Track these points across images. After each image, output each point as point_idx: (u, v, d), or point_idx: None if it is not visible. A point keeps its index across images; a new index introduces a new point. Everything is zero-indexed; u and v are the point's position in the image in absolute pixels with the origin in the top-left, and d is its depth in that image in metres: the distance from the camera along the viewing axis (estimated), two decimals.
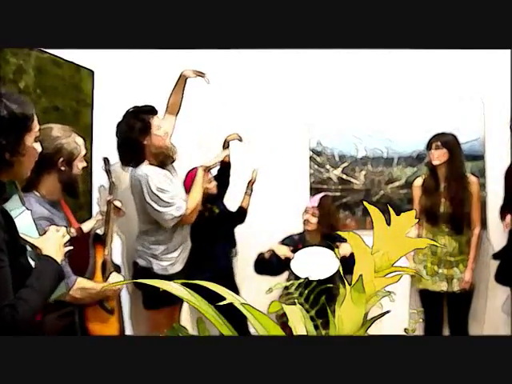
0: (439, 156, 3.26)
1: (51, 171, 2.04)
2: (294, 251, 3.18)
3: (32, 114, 1.45)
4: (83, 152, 2.15)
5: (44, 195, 2.04)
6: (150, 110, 2.78)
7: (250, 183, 3.47)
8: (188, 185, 3.02)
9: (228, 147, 3.43)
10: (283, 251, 3.20)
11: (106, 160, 2.63)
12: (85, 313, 2.18)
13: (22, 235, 1.49)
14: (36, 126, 1.48)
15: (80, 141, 2.13)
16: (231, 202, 3.51)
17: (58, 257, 1.51)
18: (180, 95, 3.03)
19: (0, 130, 1.35)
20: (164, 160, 2.81)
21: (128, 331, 2.73)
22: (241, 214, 3.45)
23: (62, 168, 2.05)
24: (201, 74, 2.98)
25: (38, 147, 1.50)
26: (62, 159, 2.04)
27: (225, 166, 3.48)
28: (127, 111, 2.78)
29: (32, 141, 1.46)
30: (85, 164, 2.18)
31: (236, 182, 3.53)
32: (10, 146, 1.38)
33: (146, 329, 2.90)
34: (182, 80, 2.99)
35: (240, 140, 3.44)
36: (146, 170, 2.71)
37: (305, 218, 3.30)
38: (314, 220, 3.25)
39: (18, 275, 1.35)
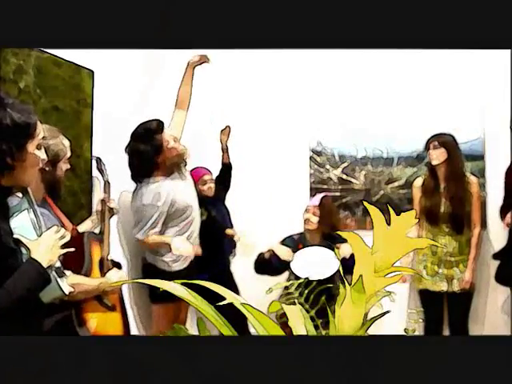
0: (438, 156, 3.26)
1: None
2: (294, 251, 3.17)
3: (35, 123, 1.46)
4: (68, 154, 2.16)
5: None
6: (158, 126, 2.80)
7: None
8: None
9: (227, 150, 3.41)
10: (283, 253, 3.19)
11: (98, 159, 2.65)
12: (85, 310, 2.18)
13: (17, 236, 1.49)
14: (39, 134, 1.48)
15: (66, 143, 2.14)
16: (232, 203, 3.51)
17: (46, 259, 1.49)
18: (189, 87, 3.01)
19: (2, 136, 1.37)
20: (176, 167, 2.87)
21: (132, 327, 2.72)
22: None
23: (47, 168, 2.06)
24: (205, 60, 2.99)
25: (41, 154, 1.51)
26: (47, 159, 2.04)
27: (225, 168, 3.46)
28: (136, 131, 2.82)
29: (34, 148, 1.47)
30: (68, 166, 2.19)
31: (236, 183, 3.53)
32: (12, 152, 1.39)
33: (152, 323, 2.91)
34: (190, 70, 2.99)
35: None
36: (145, 189, 2.80)
37: (306, 218, 3.29)
38: (315, 219, 3.25)
39: (5, 276, 1.36)
